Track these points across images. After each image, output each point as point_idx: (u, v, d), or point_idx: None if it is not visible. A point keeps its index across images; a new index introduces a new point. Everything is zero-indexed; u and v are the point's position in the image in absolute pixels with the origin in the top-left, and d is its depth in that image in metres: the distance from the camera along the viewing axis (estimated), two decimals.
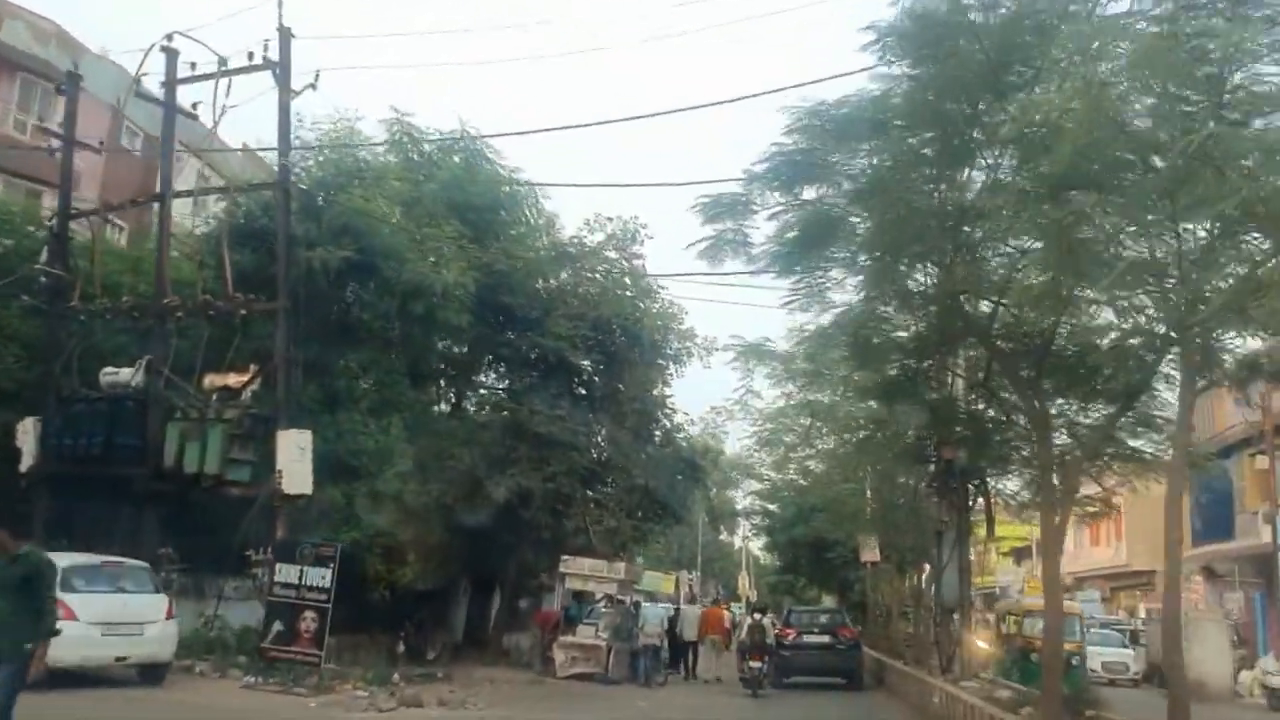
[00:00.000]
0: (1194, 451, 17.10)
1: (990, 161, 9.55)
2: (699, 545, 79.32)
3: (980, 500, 17.80)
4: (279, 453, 16.35)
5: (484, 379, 22.59)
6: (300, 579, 15.43)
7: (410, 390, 21.00)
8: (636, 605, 24.15)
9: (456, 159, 23.65)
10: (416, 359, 22.48)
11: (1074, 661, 17.27)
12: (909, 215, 9.40)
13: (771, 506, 40.58)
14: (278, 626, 15.44)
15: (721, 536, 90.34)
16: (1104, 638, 32.39)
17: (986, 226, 9.23)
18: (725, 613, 29.06)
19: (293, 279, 17.59)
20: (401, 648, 21.70)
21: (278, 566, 15.63)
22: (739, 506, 45.00)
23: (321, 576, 15.32)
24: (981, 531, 19.99)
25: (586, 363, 22.70)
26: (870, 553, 32.61)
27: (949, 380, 14.60)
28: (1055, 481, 11.31)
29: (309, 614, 15.27)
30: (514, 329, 22.14)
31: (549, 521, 21.58)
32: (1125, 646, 31.88)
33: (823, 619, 25.11)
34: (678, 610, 28.98)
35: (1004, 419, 12.91)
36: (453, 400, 23.16)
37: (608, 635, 21.72)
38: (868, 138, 10.08)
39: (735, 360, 14.49)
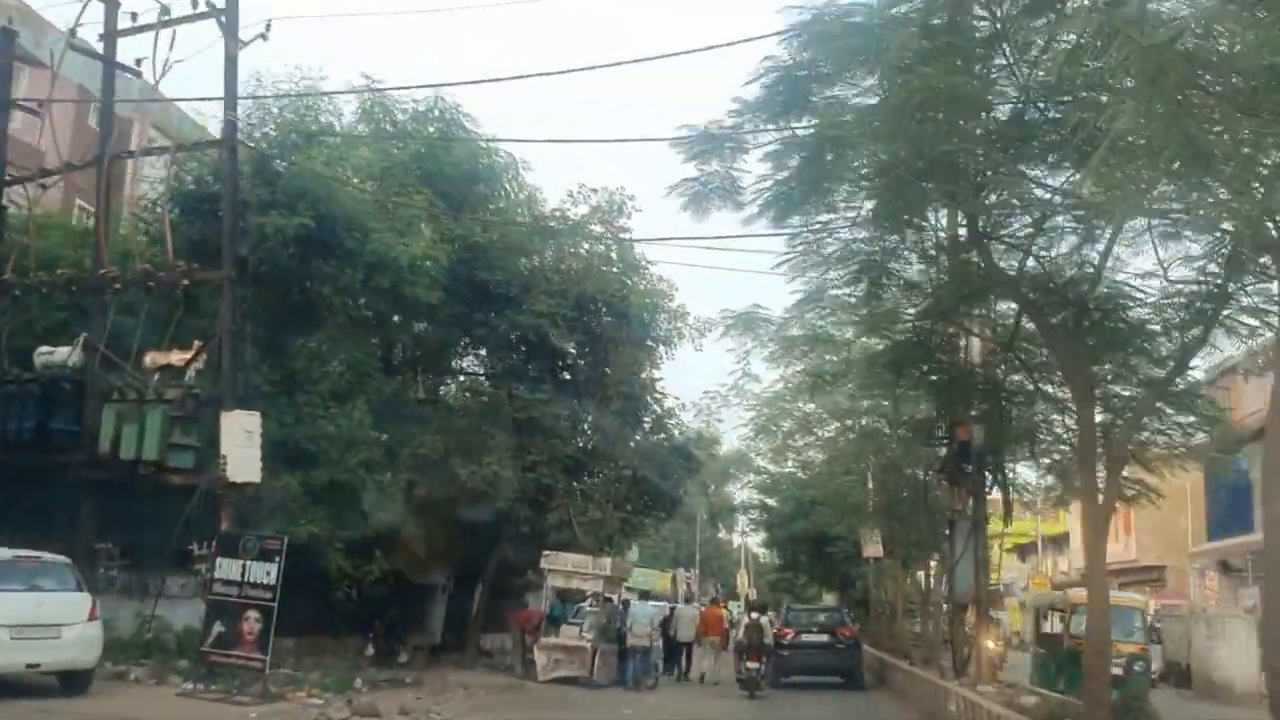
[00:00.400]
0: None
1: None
2: (697, 543, 78.12)
3: (994, 488, 16.18)
4: (223, 437, 14.80)
5: (459, 361, 20.95)
6: (243, 575, 13.88)
7: (377, 372, 19.40)
8: (626, 604, 22.64)
9: (431, 129, 22.10)
10: (384, 339, 20.93)
11: (1137, 667, 15.28)
12: (935, 133, 7.83)
13: (770, 501, 39.13)
14: (219, 628, 13.89)
15: (720, 534, 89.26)
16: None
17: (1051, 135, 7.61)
18: (723, 612, 27.76)
19: (241, 247, 16.11)
20: (370, 650, 20.16)
21: (218, 561, 14.08)
22: (736, 501, 43.25)
23: (266, 572, 13.76)
24: (997, 525, 18.39)
25: (571, 346, 21.12)
26: (873, 547, 31.41)
27: (964, 346, 13.04)
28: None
29: (252, 614, 13.72)
30: (491, 307, 20.57)
31: (529, 514, 20.04)
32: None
33: (821, 618, 24.57)
34: (672, 609, 27.58)
35: (1031, 386, 11.34)
36: (425, 384, 21.55)
37: (593, 636, 20.18)
38: (880, 53, 8.51)
39: (727, 332, 12.93)
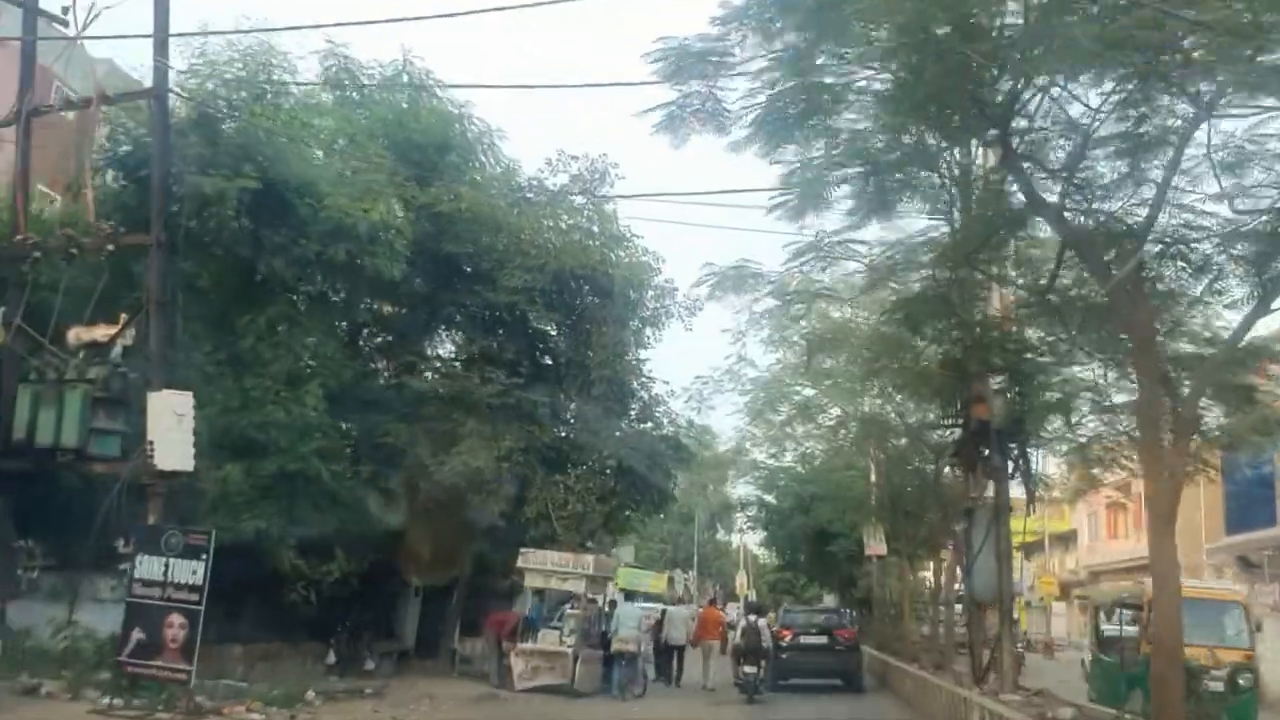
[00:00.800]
0: None
1: None
2: (695, 544, 76.61)
3: (1015, 474, 14.46)
4: (149, 419, 13.13)
5: (427, 342, 19.26)
6: (166, 574, 12.23)
7: (336, 353, 17.73)
8: (613, 604, 20.99)
9: (401, 97, 20.49)
10: (343, 317, 19.27)
11: (1242, 681, 12.33)
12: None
13: (768, 497, 37.44)
14: (138, 635, 12.23)
15: (720, 535, 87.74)
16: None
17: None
18: (721, 614, 26.12)
19: (176, 209, 14.46)
20: (332, 658, 18.48)
21: (139, 559, 12.41)
22: (734, 497, 41.42)
23: (192, 571, 12.12)
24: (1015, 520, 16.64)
25: (549, 326, 19.48)
26: (876, 545, 29.91)
27: (987, 299, 11.34)
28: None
29: (176, 618, 12.07)
30: (461, 284, 18.92)
31: (504, 508, 18.37)
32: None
33: (819, 619, 23.92)
34: (664, 611, 25.95)
35: (1067, 343, 9.64)
36: (389, 367, 19.84)
37: (575, 640, 18.51)
38: None
39: (713, 293, 11.20)
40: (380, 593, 20.22)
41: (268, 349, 16.55)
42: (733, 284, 10.94)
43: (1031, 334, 11.04)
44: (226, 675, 15.41)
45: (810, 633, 22.24)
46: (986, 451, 13.99)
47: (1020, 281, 10.48)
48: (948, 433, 16.07)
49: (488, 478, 17.98)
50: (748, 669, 18.83)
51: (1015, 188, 8.31)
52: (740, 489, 38.51)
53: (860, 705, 19.68)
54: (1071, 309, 9.24)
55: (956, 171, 9.03)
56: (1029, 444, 13.12)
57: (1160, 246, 8.14)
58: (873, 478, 26.47)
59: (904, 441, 21.83)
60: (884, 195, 8.76)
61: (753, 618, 20.49)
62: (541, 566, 18.71)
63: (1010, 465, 13.13)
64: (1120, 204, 8.31)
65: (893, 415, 19.58)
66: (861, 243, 10.07)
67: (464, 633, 20.92)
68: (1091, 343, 9.77)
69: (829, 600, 46.38)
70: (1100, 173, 8.44)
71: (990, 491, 14.09)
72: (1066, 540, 56.88)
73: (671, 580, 65.27)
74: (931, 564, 36.71)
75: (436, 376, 18.21)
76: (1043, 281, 9.42)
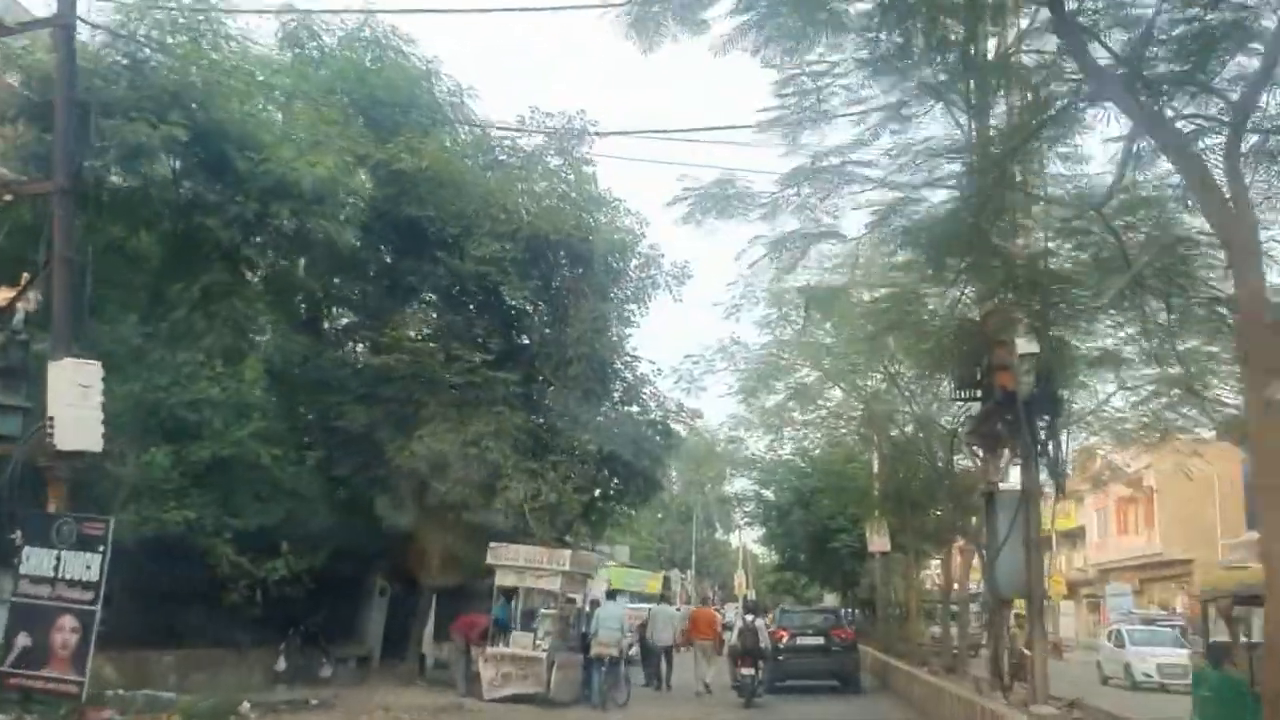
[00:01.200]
0: None
1: None
2: (693, 544, 75.16)
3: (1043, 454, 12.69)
4: (49, 392, 11.36)
5: (386, 317, 17.46)
6: (57, 570, 10.48)
7: (281, 327, 16.00)
8: (594, 604, 19.22)
9: (364, 56, 18.76)
10: (292, 288, 17.52)
11: None
12: None
13: (766, 492, 35.74)
14: (24, 641, 10.46)
15: (719, 534, 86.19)
16: (1152, 636, 27.59)
17: None
18: (715, 613, 24.60)
19: (97, 163, 12.79)
20: (282, 664, 16.71)
21: (26, 553, 10.65)
22: (729, 492, 39.64)
23: (86, 566, 10.39)
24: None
25: (523, 300, 17.74)
26: (880, 541, 28.36)
27: (1025, 227, 9.55)
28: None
29: (67, 621, 10.33)
30: (424, 251, 17.18)
31: (472, 498, 16.62)
32: (1180, 646, 26.92)
33: (816, 620, 23.35)
34: (649, 611, 24.27)
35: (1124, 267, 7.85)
36: (343, 342, 18.05)
37: (550, 644, 16.77)
38: None
39: (690, 216, 9.38)
40: (339, 592, 18.45)
41: (203, 320, 14.82)
42: (716, 205, 9.14)
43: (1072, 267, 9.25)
44: (155, 685, 13.74)
45: (807, 634, 21.74)
46: (1009, 428, 12.27)
47: (1065, 198, 8.69)
48: (962, 410, 14.34)
49: (453, 464, 16.24)
50: (745, 671, 18.00)
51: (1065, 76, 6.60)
52: (737, 484, 36.75)
53: (863, 710, 18.66)
54: (1131, 232, 7.51)
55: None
56: (1061, 417, 11.37)
57: (1260, 137, 6.43)
58: (875, 468, 24.78)
59: (911, 427, 20.18)
60: (900, 98, 7.03)
61: (750, 618, 19.48)
62: (513, 563, 16.97)
63: (1043, 439, 11.35)
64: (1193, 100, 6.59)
65: (900, 394, 17.84)
66: (866, 163, 8.35)
67: (441, 637, 19.12)
68: (1158, 274, 8.03)
69: (830, 600, 44.97)
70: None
71: (1012, 475, 12.40)
72: (1074, 538, 55.30)
73: (668, 580, 63.70)
74: (940, 560, 35.09)
75: (397, 354, 16.43)
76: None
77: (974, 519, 20.78)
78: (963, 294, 10.25)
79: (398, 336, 16.41)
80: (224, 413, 14.31)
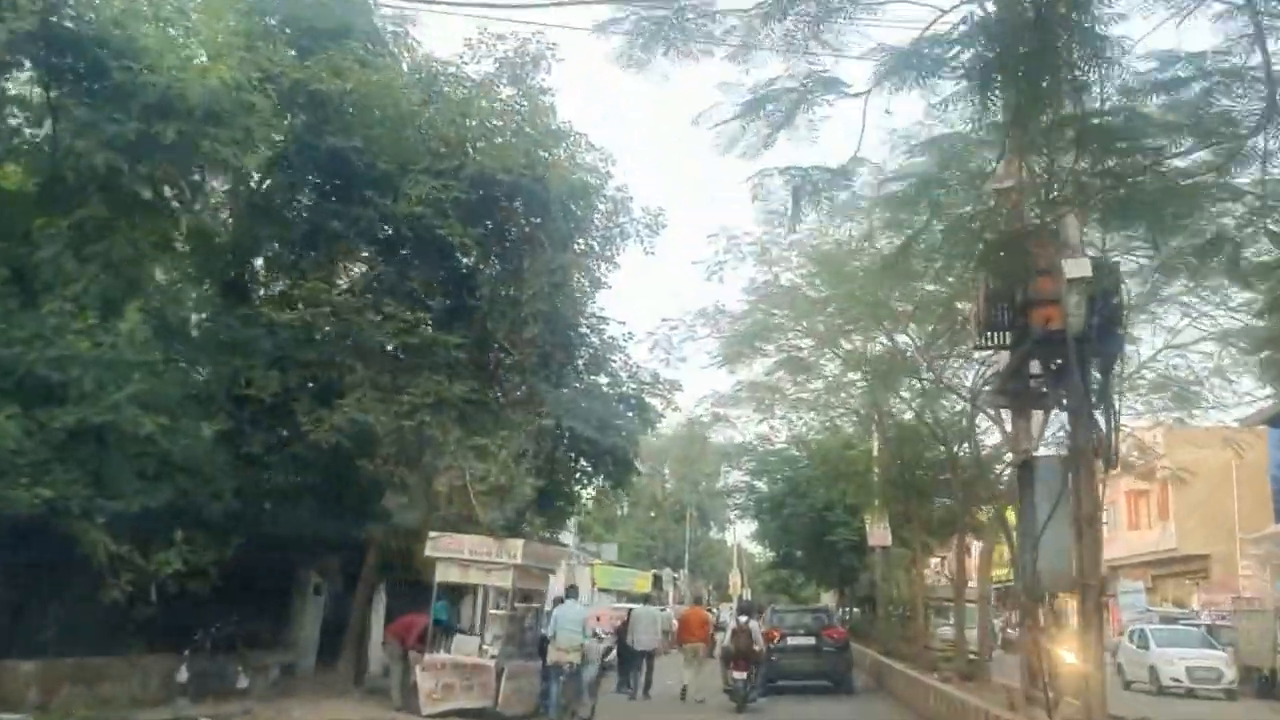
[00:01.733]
0: None
1: None
2: (686, 542, 73.32)
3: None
4: None
5: (305, 267, 14.95)
6: None
7: (173, 274, 13.52)
8: (559, 601, 16.71)
9: None
10: (216, 247, 15.07)
11: None
12: None
13: (759, 483, 33.38)
14: None
15: (713, 533, 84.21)
16: (1180, 636, 25.27)
17: None
18: (707, 614, 22.43)
19: None
20: (184, 675, 14.20)
21: None
22: (722, 485, 37.14)
23: None
24: None
25: (468, 248, 15.26)
26: (880, 533, 26.29)
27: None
28: None
29: None
30: (352, 191, 14.73)
31: (408, 478, 14.19)
32: (1213, 647, 24.62)
33: (808, 619, 22.71)
34: (629, 611, 21.94)
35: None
36: (252, 293, 15.51)
37: (500, 649, 14.31)
38: None
39: (628, 51, 6.73)
40: (262, 590, 15.99)
41: (73, 263, 12.32)
42: (666, 33, 6.45)
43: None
44: (9, 702, 11.33)
45: (798, 633, 21.31)
46: (1050, 380, 9.85)
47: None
48: (984, 369, 11.90)
49: (382, 440, 13.79)
50: (737, 674, 16.99)
51: None
52: (729, 475, 34.26)
53: (864, 715, 17.78)
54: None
55: None
56: (1119, 360, 8.91)
57: None
58: (876, 450, 22.41)
59: (918, 402, 17.80)
60: None
61: (744, 619, 18.35)
62: (455, 555, 14.49)
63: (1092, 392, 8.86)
64: None
65: (905, 357, 15.44)
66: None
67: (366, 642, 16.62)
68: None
69: (827, 599, 42.77)
70: None
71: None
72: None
73: (659, 579, 61.44)
74: (943, 556, 32.75)
75: (315, 309, 13.98)
76: None
77: (983, 513, 18.63)
78: (999, 163, 7.74)
79: (316, 289, 13.94)
80: (96, 372, 11.82)
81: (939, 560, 37.21)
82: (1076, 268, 8.77)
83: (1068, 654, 9.47)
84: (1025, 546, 9.85)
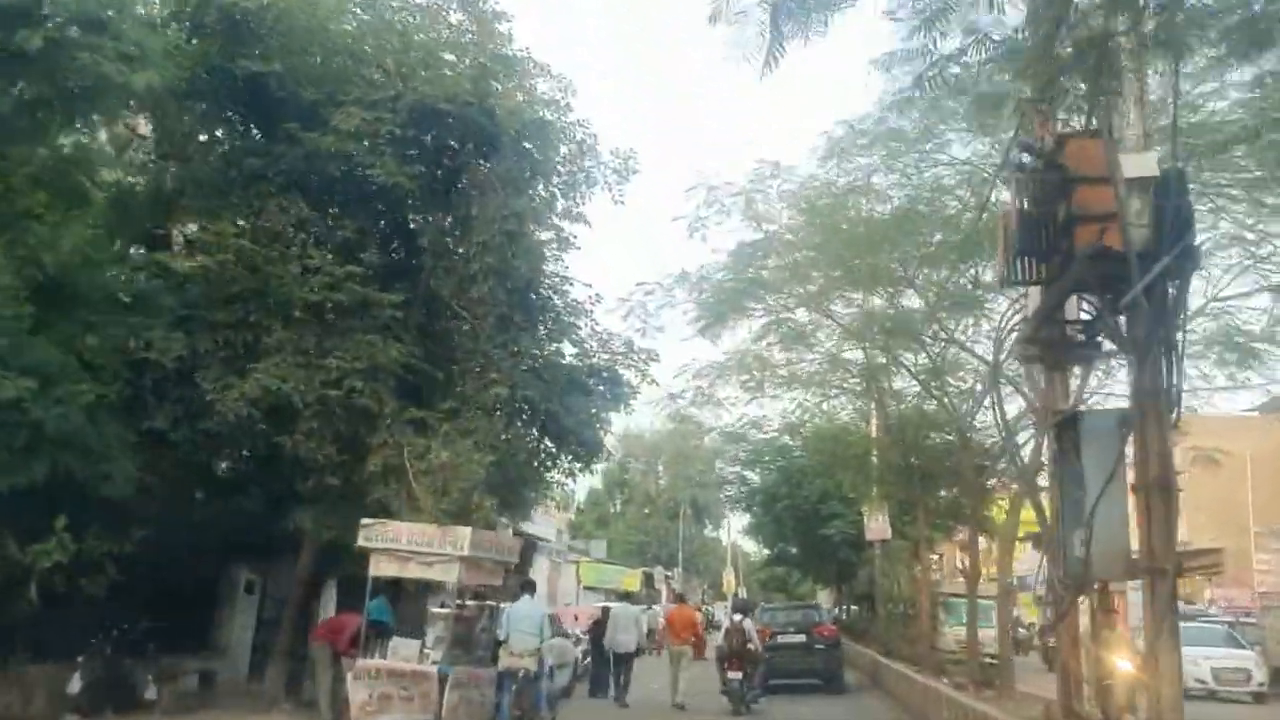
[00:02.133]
0: None
1: None
2: (680, 539, 71.88)
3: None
4: None
5: (216, 209, 12.93)
6: None
7: (53, 214, 11.49)
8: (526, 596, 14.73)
9: None
10: (131, 208, 13.06)
11: None
12: None
13: (751, 474, 31.40)
14: None
15: (708, 531, 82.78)
16: (1203, 635, 23.35)
17: None
18: (695, 613, 20.64)
19: None
20: (77, 685, 12.21)
21: None
22: (715, 474, 35.08)
23: None
24: None
25: (407, 194, 13.25)
26: (878, 526, 24.57)
27: None
28: None
29: None
30: (271, 123, 12.77)
31: (334, 456, 12.22)
32: (1242, 646, 22.81)
33: (798, 617, 22.35)
34: (605, 610, 20.06)
35: None
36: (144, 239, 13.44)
37: (442, 655, 12.33)
38: None
39: None
40: (178, 589, 14.01)
41: None
42: None
43: None
44: None
45: (789, 631, 20.96)
46: (1101, 321, 7.94)
47: None
48: (1010, 316, 9.94)
49: (303, 412, 11.81)
50: (733, 675, 16.22)
51: None
52: (719, 464, 32.16)
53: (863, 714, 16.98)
54: None
55: None
56: (1190, 280, 6.94)
57: None
58: (874, 430, 20.51)
59: (925, 375, 15.88)
60: None
61: (738, 617, 17.42)
62: (392, 545, 12.49)
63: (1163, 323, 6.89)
64: None
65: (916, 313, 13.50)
66: None
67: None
68: None
69: (823, 597, 40.94)
70: None
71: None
72: None
73: (650, 577, 59.63)
74: (947, 549, 30.96)
75: (222, 256, 11.99)
76: None
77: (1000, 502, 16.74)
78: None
79: (224, 232, 11.95)
80: None
81: (937, 556, 35.48)
82: (1139, 164, 6.84)
83: (1122, 660, 7.53)
84: (1067, 524, 7.90)
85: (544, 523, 35.16)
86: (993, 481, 17.44)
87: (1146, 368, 6.76)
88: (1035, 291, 9.00)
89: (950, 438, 17.26)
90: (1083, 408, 8.70)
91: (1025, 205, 8.04)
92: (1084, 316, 8.57)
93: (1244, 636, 23.81)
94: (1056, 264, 8.07)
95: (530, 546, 32.26)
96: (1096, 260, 6.93)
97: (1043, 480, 10.18)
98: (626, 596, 23.03)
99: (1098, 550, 7.16)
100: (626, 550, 67.93)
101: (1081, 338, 8.74)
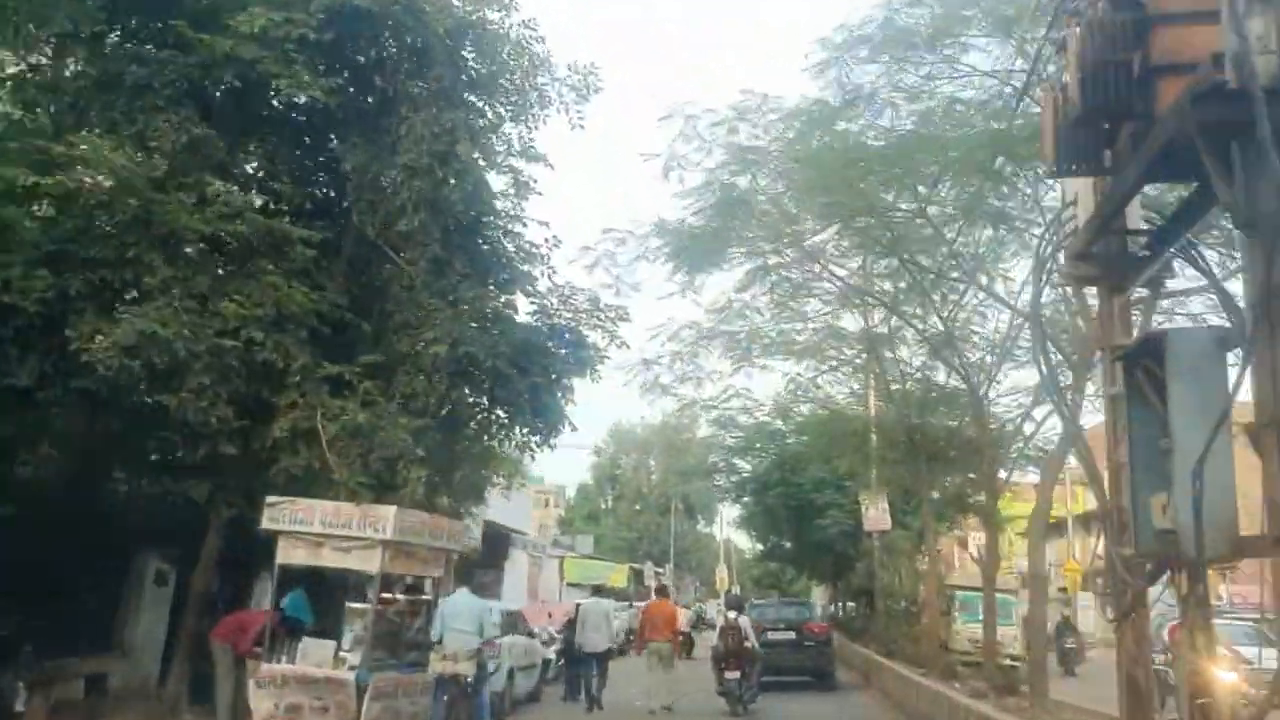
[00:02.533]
0: None
1: None
2: (672, 535, 70.24)
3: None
4: None
5: (95, 126, 10.91)
6: None
7: None
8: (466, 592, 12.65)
9: None
10: None
11: None
12: None
13: (742, 462, 29.42)
14: None
15: (700, 526, 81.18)
16: (1233, 634, 21.38)
17: None
18: (675, 609, 18.79)
19: None
20: None
21: None
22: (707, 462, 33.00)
23: None
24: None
25: (322, 109, 11.25)
26: (877, 516, 22.88)
27: None
28: None
29: None
30: (160, 26, 10.75)
31: (230, 418, 10.18)
32: (1269, 645, 20.81)
33: (789, 613, 22.21)
34: (578, 607, 18.13)
35: None
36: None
37: (361, 658, 10.31)
38: None
39: None
40: (65, 579, 11.95)
41: None
42: None
43: None
44: None
45: (779, 628, 20.48)
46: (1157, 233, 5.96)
47: None
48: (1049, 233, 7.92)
49: (189, 364, 9.76)
50: (730, 675, 15.67)
51: None
52: (712, 449, 30.09)
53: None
54: None
55: None
56: None
57: None
58: (872, 406, 18.57)
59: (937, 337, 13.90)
60: None
61: (732, 615, 16.68)
62: (304, 528, 10.46)
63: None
64: None
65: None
66: None
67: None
68: None
69: (818, 594, 39.04)
70: None
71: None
72: (1087, 523, 49.69)
73: (640, 574, 57.74)
74: (945, 544, 29.25)
75: (105, 186, 9.99)
76: None
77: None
78: None
79: (95, 146, 9.88)
80: None
81: (936, 551, 33.74)
82: None
83: (1224, 670, 5.56)
84: (1139, 486, 5.87)
85: (520, 514, 33.12)
86: (1004, 471, 15.56)
87: (1276, 256, 4.74)
88: (1086, 198, 7.08)
89: (961, 415, 15.34)
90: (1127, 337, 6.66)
91: (1086, 59, 6.02)
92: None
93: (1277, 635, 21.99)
94: (1125, 143, 6.08)
95: (502, 538, 30.20)
96: (1205, 103, 4.91)
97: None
98: (596, 591, 20.96)
99: (1209, 516, 5.10)
100: (617, 546, 66.14)
101: (1147, 253, 6.75)
